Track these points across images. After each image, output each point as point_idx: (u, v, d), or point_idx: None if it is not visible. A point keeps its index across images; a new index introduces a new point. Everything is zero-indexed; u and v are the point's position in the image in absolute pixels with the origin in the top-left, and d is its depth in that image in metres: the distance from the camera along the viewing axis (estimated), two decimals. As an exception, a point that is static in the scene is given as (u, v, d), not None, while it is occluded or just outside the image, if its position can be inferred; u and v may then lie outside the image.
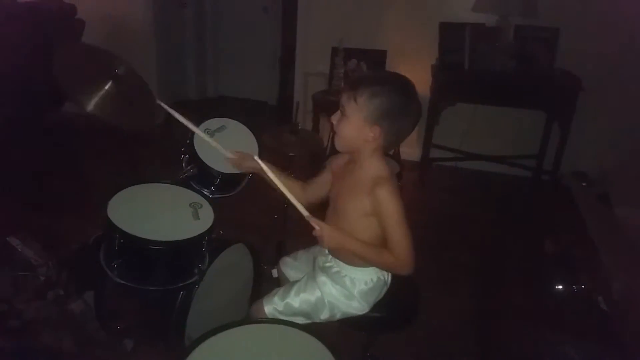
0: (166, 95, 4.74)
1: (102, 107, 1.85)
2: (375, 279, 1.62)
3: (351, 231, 1.52)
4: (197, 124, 2.10)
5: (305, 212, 1.48)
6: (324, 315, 1.63)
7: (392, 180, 1.48)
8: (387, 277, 1.66)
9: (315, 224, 1.46)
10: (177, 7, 5.33)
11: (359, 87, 1.44)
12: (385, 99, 1.42)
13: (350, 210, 1.54)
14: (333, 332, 1.65)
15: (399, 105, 1.43)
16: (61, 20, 3.87)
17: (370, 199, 1.45)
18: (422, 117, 4.06)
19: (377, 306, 1.66)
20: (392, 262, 1.47)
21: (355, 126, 1.46)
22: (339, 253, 1.63)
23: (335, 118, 1.52)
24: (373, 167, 1.50)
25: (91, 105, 1.84)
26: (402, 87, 1.46)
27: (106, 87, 1.89)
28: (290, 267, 1.86)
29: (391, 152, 3.86)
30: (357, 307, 1.62)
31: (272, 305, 1.65)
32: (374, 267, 1.61)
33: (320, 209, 1.65)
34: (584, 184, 3.22)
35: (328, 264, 1.66)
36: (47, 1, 3.82)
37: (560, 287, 2.03)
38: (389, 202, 1.43)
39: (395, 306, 1.70)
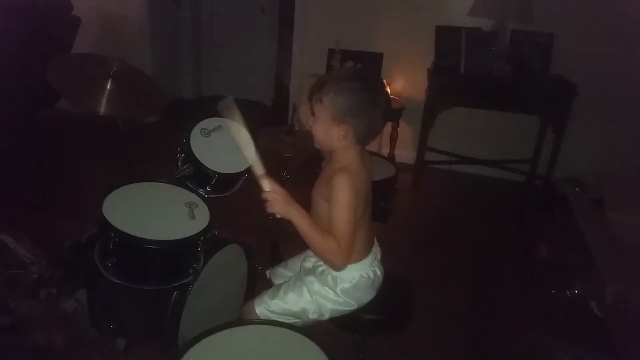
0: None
1: (111, 106, 1.96)
2: (357, 277, 1.62)
3: (317, 218, 1.54)
4: (194, 123, 2.10)
5: (260, 171, 1.47)
6: (312, 315, 1.63)
7: (354, 172, 1.50)
8: (372, 274, 1.65)
9: (268, 185, 1.46)
10: (173, 6, 5.31)
11: (323, 87, 1.48)
12: (349, 96, 1.45)
13: (316, 199, 1.58)
14: (327, 334, 1.64)
15: (364, 100, 1.45)
16: (57, 17, 3.86)
17: (329, 186, 1.48)
18: (417, 119, 4.07)
19: (370, 308, 1.66)
20: (333, 248, 1.46)
21: (325, 126, 1.50)
22: None
23: (310, 120, 1.55)
24: (343, 160, 1.53)
25: (102, 107, 1.96)
26: (366, 82, 1.48)
27: (108, 87, 1.99)
28: (280, 276, 1.85)
29: (386, 155, 3.88)
30: (342, 303, 1.62)
31: (263, 305, 1.66)
32: (356, 265, 1.61)
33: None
34: (577, 189, 3.23)
35: (318, 263, 1.67)
36: (43, -3, 3.81)
37: (554, 292, 2.04)
38: (340, 189, 1.45)
39: (389, 308, 1.71)
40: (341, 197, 1.45)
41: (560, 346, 1.75)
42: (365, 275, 1.63)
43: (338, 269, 1.55)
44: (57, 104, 4.12)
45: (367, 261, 1.64)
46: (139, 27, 4.74)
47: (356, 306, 1.64)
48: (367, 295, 1.66)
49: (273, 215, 1.47)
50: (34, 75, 2.43)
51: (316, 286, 1.63)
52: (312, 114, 1.53)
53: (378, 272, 1.68)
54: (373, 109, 1.47)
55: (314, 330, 1.56)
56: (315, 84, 1.52)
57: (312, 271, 1.67)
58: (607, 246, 2.00)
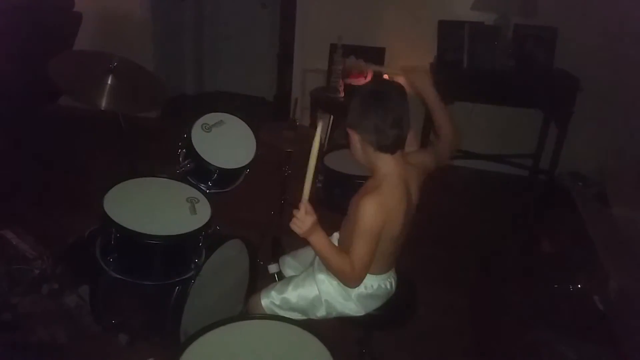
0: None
1: (113, 101, 1.96)
2: (375, 286, 1.62)
3: (350, 231, 1.52)
4: (195, 118, 2.09)
5: (306, 197, 1.41)
6: (320, 313, 1.63)
7: (384, 194, 1.46)
8: (389, 286, 1.66)
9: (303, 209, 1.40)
10: (176, 2, 5.30)
11: None
12: (355, 101, 1.48)
13: (351, 213, 1.55)
14: (329, 328, 1.64)
15: (368, 102, 1.46)
16: (58, 13, 3.85)
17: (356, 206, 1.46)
18: (420, 114, 4.06)
19: (373, 303, 1.66)
20: (348, 271, 1.43)
21: (351, 139, 1.53)
22: None
23: None
24: (379, 178, 1.51)
25: (104, 103, 1.94)
26: (375, 87, 1.52)
27: (109, 82, 1.98)
28: (289, 266, 1.86)
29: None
30: (353, 308, 1.62)
31: (269, 299, 1.65)
32: (376, 276, 1.61)
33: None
34: (580, 184, 3.23)
35: None
36: (44, -7, 3.79)
37: (557, 286, 2.03)
38: (363, 215, 1.42)
39: (392, 304, 1.70)
40: (363, 223, 1.42)
41: (564, 341, 1.75)
42: (383, 286, 1.64)
43: (349, 287, 1.55)
44: (58, 100, 4.12)
45: (386, 275, 1.65)
46: (141, 23, 4.73)
47: (363, 313, 1.64)
48: (377, 304, 1.66)
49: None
50: (35, 72, 2.42)
51: (327, 287, 1.62)
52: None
53: (393, 283, 1.68)
54: (377, 111, 1.43)
55: (317, 324, 1.55)
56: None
57: (325, 268, 1.66)
58: (610, 241, 1.99)
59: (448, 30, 3.78)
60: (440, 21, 3.80)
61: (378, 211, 1.42)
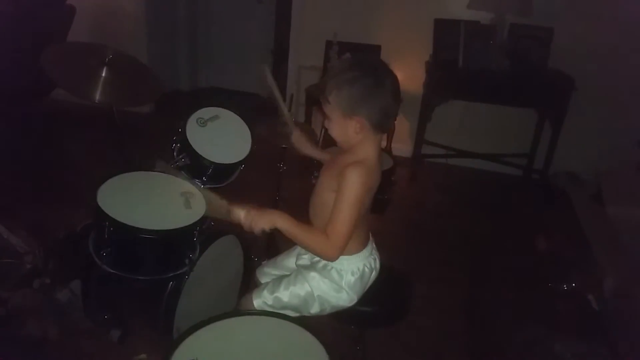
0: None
1: (107, 94, 1.95)
2: (361, 267, 1.61)
3: (321, 205, 1.54)
4: (190, 112, 2.07)
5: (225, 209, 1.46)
6: (314, 310, 1.62)
7: (369, 168, 1.47)
8: (373, 263, 1.65)
9: (240, 213, 1.43)
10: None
11: (326, 87, 1.46)
12: (351, 87, 1.41)
13: (324, 185, 1.57)
14: (322, 325, 1.63)
15: (368, 86, 1.41)
16: (51, 7, 3.81)
17: (341, 177, 1.45)
18: (415, 113, 4.06)
19: (367, 300, 1.65)
20: (321, 242, 1.44)
21: (340, 124, 1.48)
22: None
23: (326, 124, 1.53)
24: (362, 153, 1.50)
25: (97, 95, 1.93)
26: (365, 68, 1.44)
27: (103, 75, 1.96)
28: (269, 276, 1.82)
29: (383, 147, 3.86)
30: (345, 298, 1.61)
31: (262, 299, 1.64)
32: (359, 255, 1.61)
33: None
34: (575, 184, 3.24)
35: (315, 259, 1.65)
36: (37, -15, 3.76)
37: (551, 285, 2.03)
38: (350, 183, 1.41)
39: (385, 301, 1.70)
40: (350, 191, 1.41)
41: (558, 339, 1.75)
42: (369, 265, 1.63)
43: (331, 260, 1.53)
44: (51, 93, 4.08)
45: (367, 250, 1.64)
46: (135, 18, 4.70)
47: (356, 300, 1.63)
48: (366, 285, 1.66)
49: (263, 232, 1.44)
50: (28, 66, 2.40)
51: (319, 282, 1.61)
52: (327, 117, 1.50)
53: (377, 259, 1.68)
54: (380, 92, 1.42)
55: (310, 321, 1.55)
56: (319, 88, 1.52)
57: (312, 267, 1.65)
58: (605, 240, 2.00)
59: (444, 29, 3.79)
60: (436, 19, 3.81)
61: (365, 180, 1.43)
